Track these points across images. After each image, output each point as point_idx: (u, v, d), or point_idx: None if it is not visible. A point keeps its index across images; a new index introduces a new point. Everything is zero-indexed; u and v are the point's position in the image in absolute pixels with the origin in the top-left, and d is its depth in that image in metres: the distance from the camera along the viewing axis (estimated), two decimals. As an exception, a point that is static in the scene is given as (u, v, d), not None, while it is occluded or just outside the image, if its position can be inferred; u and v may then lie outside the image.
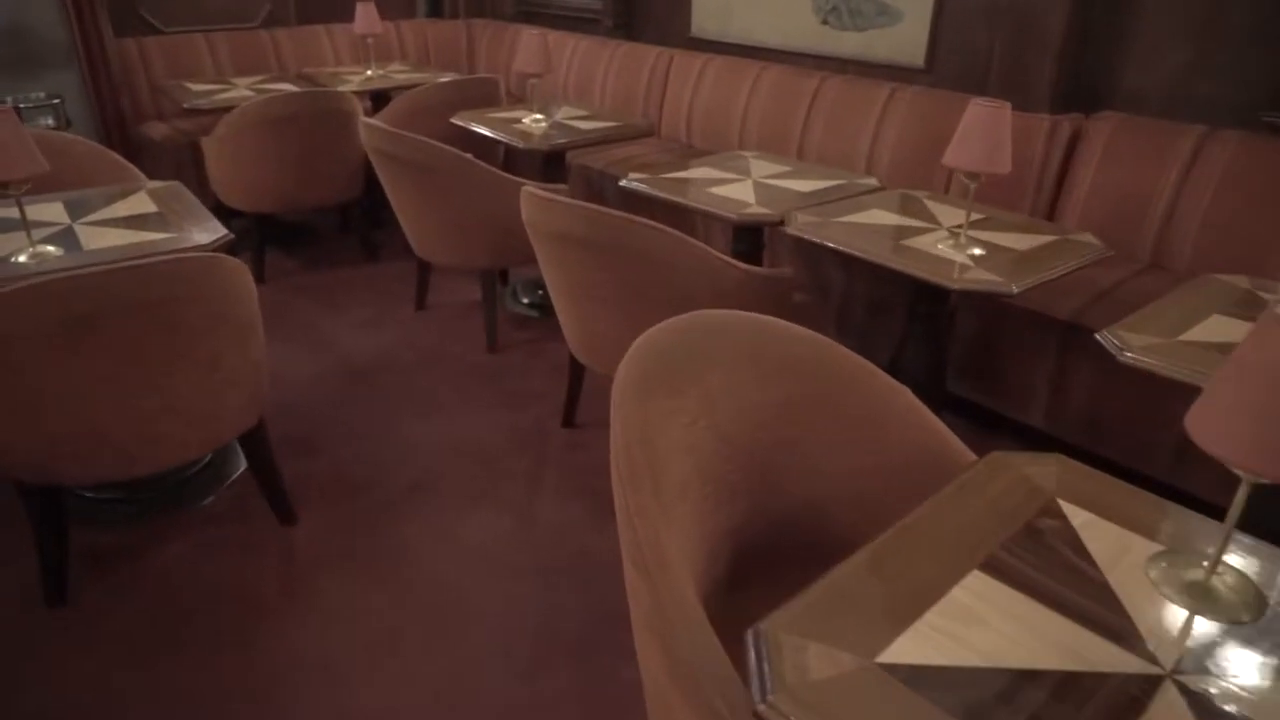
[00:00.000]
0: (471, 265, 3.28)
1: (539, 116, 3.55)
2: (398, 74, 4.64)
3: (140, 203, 2.48)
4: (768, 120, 3.86)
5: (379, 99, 4.52)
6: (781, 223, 2.34)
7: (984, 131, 2.00)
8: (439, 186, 3.01)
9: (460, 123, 3.52)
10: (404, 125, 3.85)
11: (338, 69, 4.80)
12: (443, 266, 3.45)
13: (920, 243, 2.19)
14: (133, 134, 4.46)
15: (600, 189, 4.03)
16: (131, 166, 2.90)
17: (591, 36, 4.85)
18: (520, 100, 5.11)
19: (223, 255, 1.90)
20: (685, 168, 2.85)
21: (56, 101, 3.65)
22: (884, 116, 3.43)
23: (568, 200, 2.10)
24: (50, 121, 3.66)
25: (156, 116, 4.78)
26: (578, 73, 4.82)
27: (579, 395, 2.79)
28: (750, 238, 2.71)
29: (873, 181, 2.72)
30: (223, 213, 4.23)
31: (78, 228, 2.28)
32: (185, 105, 3.83)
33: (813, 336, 1.49)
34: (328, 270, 4.10)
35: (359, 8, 4.44)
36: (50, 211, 2.40)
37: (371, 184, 4.04)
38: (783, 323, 1.50)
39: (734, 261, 2.23)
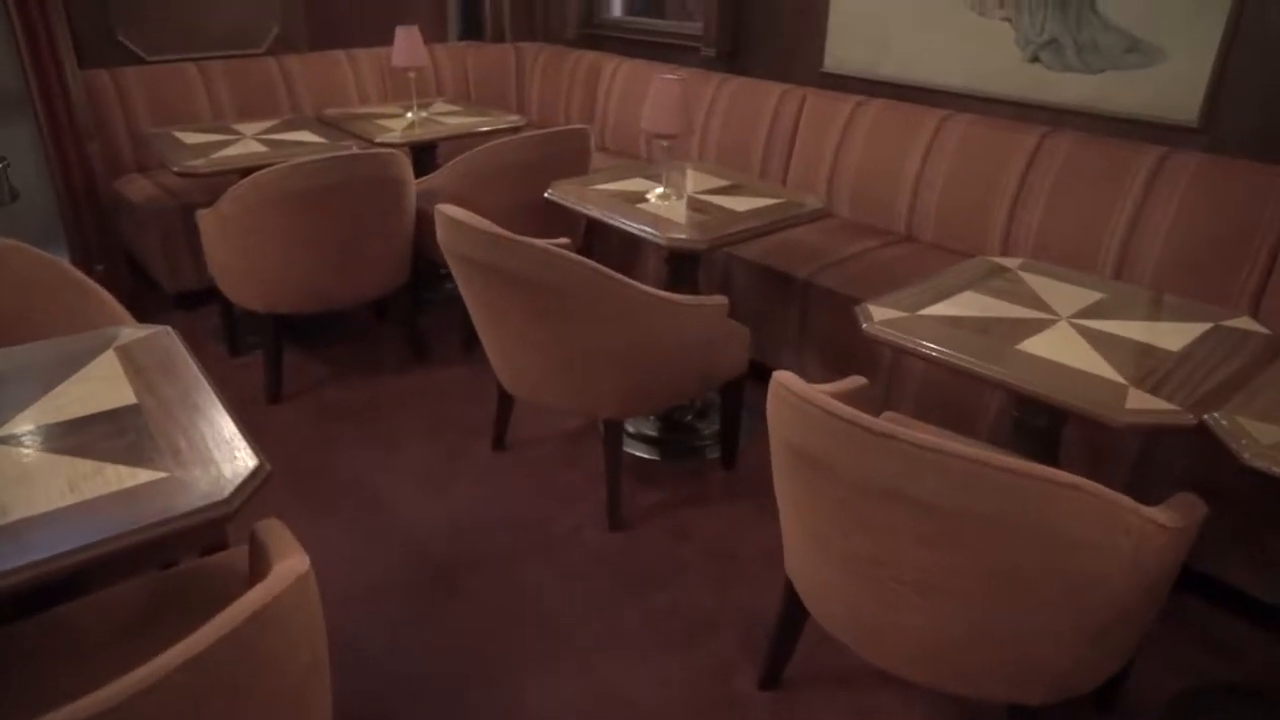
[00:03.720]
0: (592, 414, 2.30)
1: (664, 189, 2.58)
2: (446, 116, 3.66)
3: (107, 381, 1.48)
4: (955, 191, 2.90)
5: (421, 152, 3.54)
6: (1199, 428, 1.38)
7: None
8: (562, 312, 2.03)
9: (564, 201, 2.54)
10: (470, 195, 2.89)
11: (367, 109, 3.81)
12: (546, 409, 2.45)
13: None
14: (105, 195, 3.46)
15: (725, 274, 3.07)
16: (96, 289, 1.90)
17: (684, 69, 3.89)
18: (601, 148, 4.14)
19: (269, 604, 0.92)
20: (933, 296, 1.88)
21: (-2, 166, 2.67)
22: (1148, 196, 2.48)
23: (882, 427, 1.13)
24: (-11, 193, 2.68)
25: (136, 168, 3.78)
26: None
27: (795, 643, 1.82)
28: (1051, 417, 1.75)
29: (1258, 329, 1.76)
30: (222, 301, 3.20)
31: (-7, 451, 1.29)
32: (175, 169, 2.83)
33: None
34: (365, 380, 3.10)
35: (399, 33, 3.46)
36: (-46, 404, 1.41)
37: (416, 263, 3.08)
38: None
39: (1152, 513, 1.26)
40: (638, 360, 2.14)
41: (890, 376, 2.60)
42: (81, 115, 3.30)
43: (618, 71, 4.12)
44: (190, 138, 3.19)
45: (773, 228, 2.39)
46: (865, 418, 1.17)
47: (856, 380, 1.77)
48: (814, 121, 3.33)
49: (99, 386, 1.47)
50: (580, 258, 1.95)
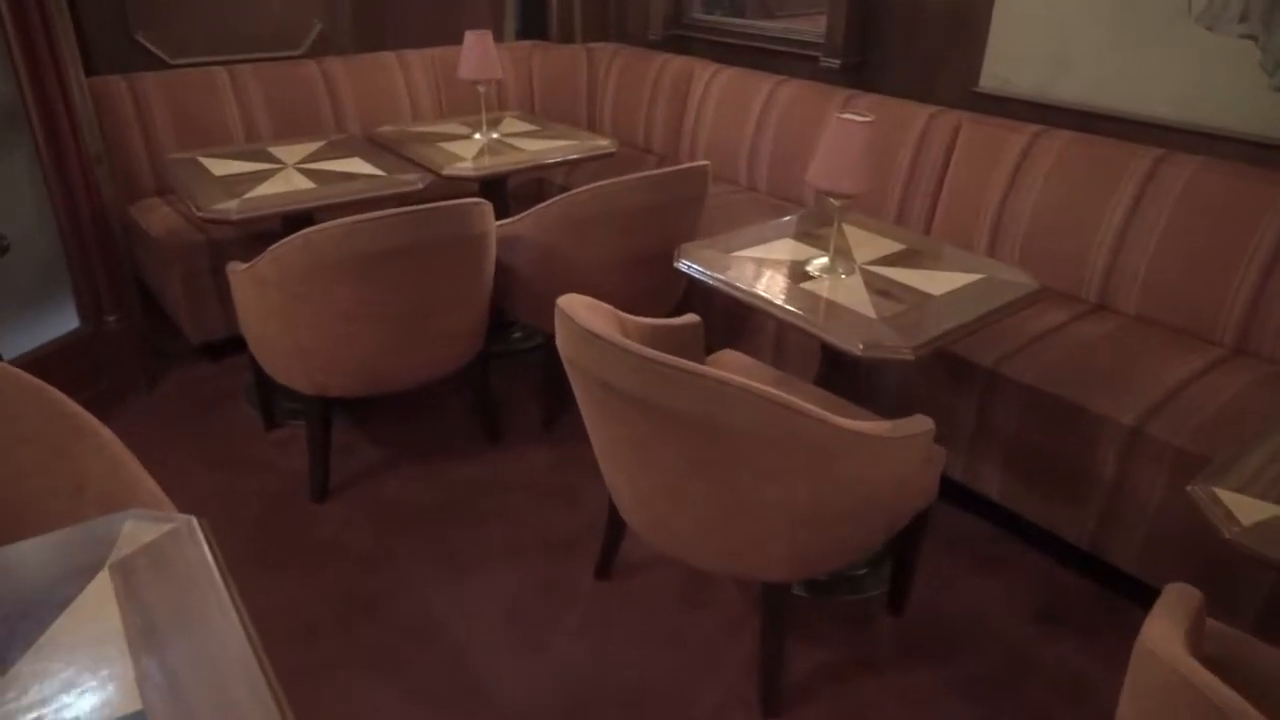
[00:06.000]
0: (752, 577, 1.74)
1: (826, 260, 2.00)
2: (521, 138, 3.08)
3: (96, 649, 0.93)
4: (1175, 254, 2.30)
5: (490, 184, 2.96)
6: None
7: None
8: (731, 459, 1.47)
9: (704, 277, 1.96)
10: (560, 245, 2.34)
11: (425, 128, 3.24)
12: (689, 565, 1.86)
13: None
14: (118, 222, 2.90)
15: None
16: (93, 425, 1.36)
17: (798, 81, 3.30)
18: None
19: None
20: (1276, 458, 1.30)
21: (-18, 211, 2.12)
22: None
23: None
24: (-28, 243, 2.14)
25: (155, 191, 3.25)
26: (778, 134, 3.27)
27: None
28: None
29: None
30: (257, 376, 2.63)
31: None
32: (200, 213, 2.28)
33: None
34: (428, 467, 2.55)
35: (469, 39, 2.89)
36: None
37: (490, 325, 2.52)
38: None
39: None
40: (821, 511, 1.58)
41: (1108, 504, 2.02)
42: (89, 132, 2.75)
43: (713, 81, 3.53)
44: (219, 166, 2.64)
45: (985, 323, 1.81)
46: None
47: (1186, 593, 1.21)
48: (973, 154, 2.74)
49: (82, 661, 0.91)
50: (767, 391, 1.38)
